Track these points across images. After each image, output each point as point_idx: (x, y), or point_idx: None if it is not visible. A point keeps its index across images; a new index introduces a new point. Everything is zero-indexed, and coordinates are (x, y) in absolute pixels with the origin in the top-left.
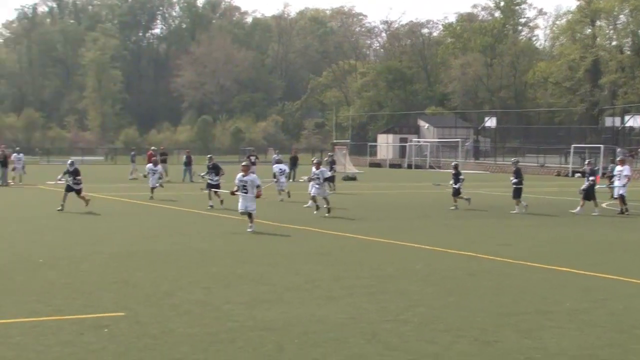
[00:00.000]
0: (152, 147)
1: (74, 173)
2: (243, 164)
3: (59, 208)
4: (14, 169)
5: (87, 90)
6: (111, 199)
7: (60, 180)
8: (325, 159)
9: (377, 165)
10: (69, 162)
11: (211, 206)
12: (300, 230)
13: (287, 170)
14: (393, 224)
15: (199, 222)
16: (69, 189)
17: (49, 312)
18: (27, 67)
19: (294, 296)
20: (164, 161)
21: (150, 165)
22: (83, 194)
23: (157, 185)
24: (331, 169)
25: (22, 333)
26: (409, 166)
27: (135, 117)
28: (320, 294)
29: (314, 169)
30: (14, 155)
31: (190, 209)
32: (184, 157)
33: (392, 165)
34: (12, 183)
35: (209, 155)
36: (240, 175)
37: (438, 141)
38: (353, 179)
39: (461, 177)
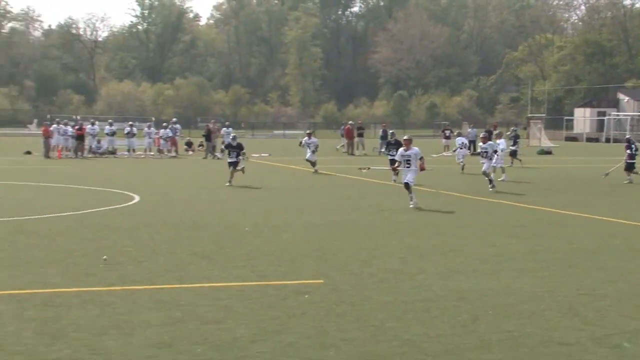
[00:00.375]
0: (350, 122)
1: (238, 148)
2: (405, 138)
3: (227, 184)
4: (223, 142)
5: (289, 67)
6: (309, 172)
7: (223, 156)
8: (508, 133)
9: (573, 139)
10: (231, 136)
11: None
12: (494, 203)
13: (467, 142)
14: (589, 198)
15: (391, 194)
16: (233, 164)
17: (254, 277)
18: (234, 46)
19: (487, 268)
20: (360, 135)
21: (306, 138)
22: (240, 167)
23: (313, 158)
24: (514, 143)
25: (230, 296)
26: (607, 140)
27: (334, 92)
28: (515, 267)
29: (481, 143)
30: (223, 130)
31: (383, 180)
32: (380, 131)
33: (588, 139)
34: (219, 156)
35: (391, 131)
36: (402, 150)
37: (639, 115)
38: (548, 152)
39: (630, 151)
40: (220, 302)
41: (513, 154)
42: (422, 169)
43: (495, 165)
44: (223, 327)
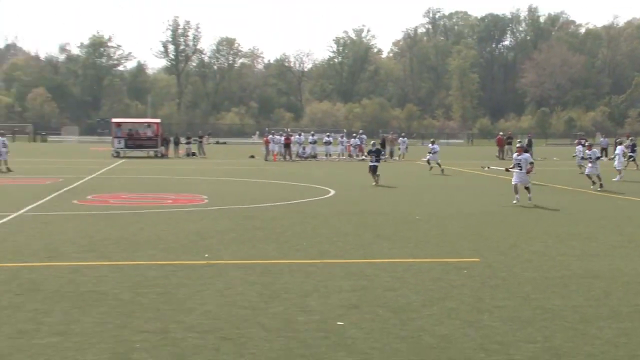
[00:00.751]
0: (500, 133)
1: (376, 153)
2: (517, 145)
3: (374, 183)
4: (398, 149)
5: (452, 89)
6: (470, 172)
7: (365, 158)
8: (626, 142)
9: None
10: (372, 142)
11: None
12: (623, 200)
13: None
14: None
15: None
16: (374, 168)
17: (423, 255)
18: (408, 74)
19: (618, 252)
20: (509, 143)
21: (430, 144)
22: (378, 172)
23: (435, 158)
24: (633, 150)
25: (404, 270)
26: None
27: (488, 109)
28: None
29: (587, 151)
30: (400, 139)
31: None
32: (526, 140)
33: None
34: (396, 159)
35: (518, 140)
36: (515, 155)
37: None
38: None
39: None
40: (397, 274)
41: (632, 159)
42: (528, 171)
43: (617, 167)
44: (399, 293)
